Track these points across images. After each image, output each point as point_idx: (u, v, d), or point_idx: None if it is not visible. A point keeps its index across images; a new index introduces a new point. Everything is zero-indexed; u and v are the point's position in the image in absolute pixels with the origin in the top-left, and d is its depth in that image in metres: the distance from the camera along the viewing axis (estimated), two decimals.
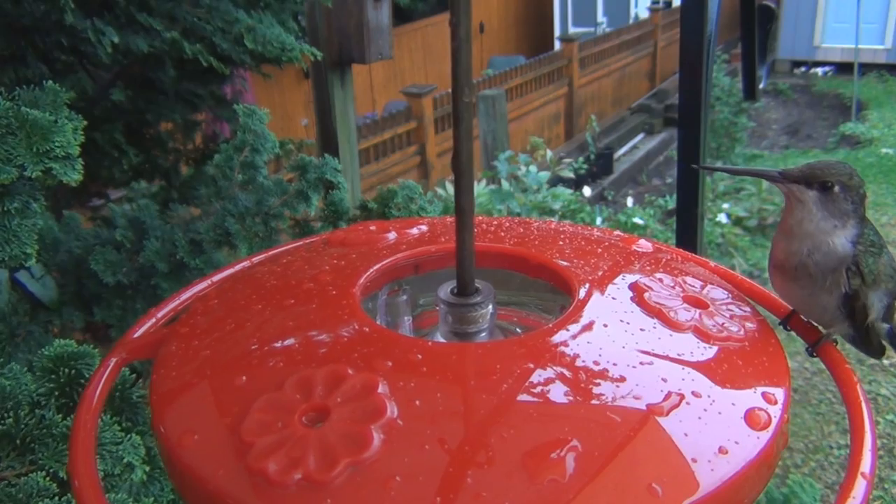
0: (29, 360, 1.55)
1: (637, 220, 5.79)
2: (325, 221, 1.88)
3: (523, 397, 0.52)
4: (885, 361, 4.81)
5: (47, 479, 0.98)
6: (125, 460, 1.06)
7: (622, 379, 0.54)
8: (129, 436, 1.07)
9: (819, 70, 12.86)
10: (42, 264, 1.72)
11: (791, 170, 0.67)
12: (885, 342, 0.71)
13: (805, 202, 0.66)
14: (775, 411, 0.54)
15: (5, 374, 1.07)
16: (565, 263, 0.70)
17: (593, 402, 0.53)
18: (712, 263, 0.80)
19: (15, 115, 1.04)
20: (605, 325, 0.61)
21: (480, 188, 5.45)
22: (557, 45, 10.68)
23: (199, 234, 1.72)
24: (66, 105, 1.12)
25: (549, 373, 0.54)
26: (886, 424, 4.26)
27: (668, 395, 0.53)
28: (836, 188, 0.65)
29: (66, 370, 1.08)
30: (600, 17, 12.57)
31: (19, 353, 1.59)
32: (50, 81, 1.13)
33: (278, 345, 0.60)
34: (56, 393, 1.08)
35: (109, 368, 0.65)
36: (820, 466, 3.96)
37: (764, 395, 0.55)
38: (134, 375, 1.17)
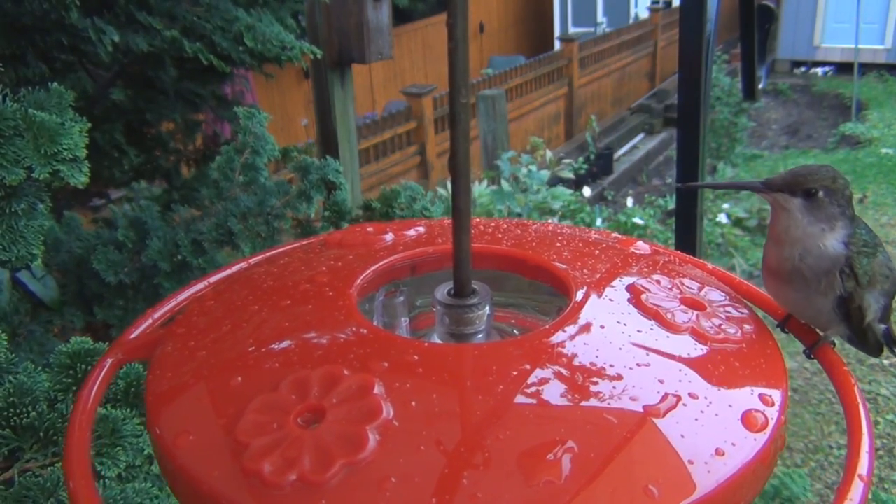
0: (31, 359, 1.55)
1: (637, 221, 5.79)
2: (328, 222, 1.88)
3: (520, 399, 0.52)
4: (885, 361, 4.81)
5: None
6: (145, 452, 1.07)
7: (619, 380, 0.54)
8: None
9: (819, 70, 12.85)
10: (43, 264, 1.72)
11: (774, 178, 0.67)
12: (882, 343, 0.71)
13: (790, 210, 0.66)
14: (772, 413, 0.54)
15: (22, 372, 1.08)
16: (563, 265, 0.70)
17: (590, 403, 0.53)
18: (710, 265, 0.80)
19: (22, 117, 1.05)
20: (603, 327, 0.61)
21: (482, 188, 5.45)
22: (557, 45, 10.68)
23: (202, 234, 1.72)
24: (69, 107, 1.13)
25: (546, 374, 0.54)
26: (886, 424, 4.26)
27: (665, 396, 0.53)
28: (821, 193, 0.65)
29: (82, 366, 1.11)
30: (600, 17, 12.57)
31: (21, 352, 1.59)
32: (55, 84, 1.13)
33: (274, 346, 0.60)
34: (73, 388, 1.09)
35: (105, 369, 0.65)
36: (820, 466, 3.95)
37: (761, 396, 0.55)
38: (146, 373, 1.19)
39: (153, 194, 2.60)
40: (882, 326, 0.69)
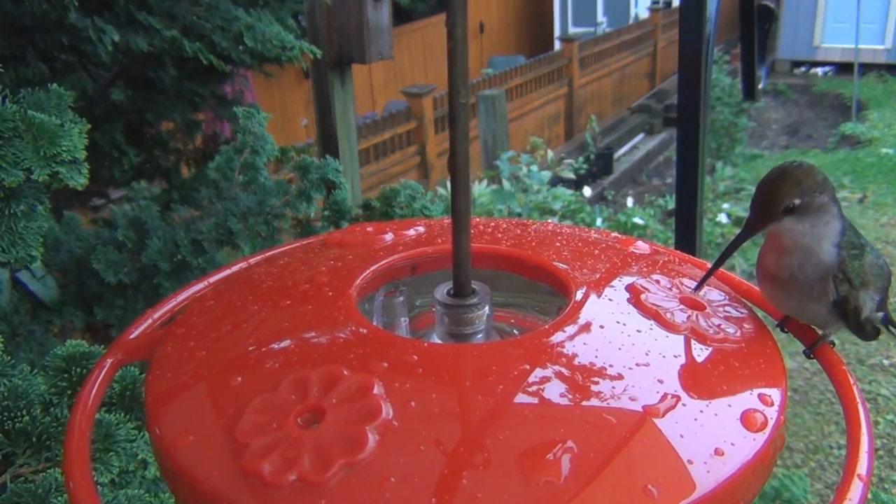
0: (30, 359, 1.55)
1: (637, 221, 5.78)
2: (327, 221, 1.88)
3: (519, 399, 0.52)
4: (885, 361, 4.81)
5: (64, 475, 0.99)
6: (139, 457, 1.07)
7: (618, 380, 0.54)
8: (142, 433, 1.08)
9: (819, 70, 12.85)
10: (43, 264, 1.72)
11: (750, 217, 0.65)
12: (880, 327, 0.71)
13: (787, 230, 0.65)
14: (771, 413, 0.54)
15: (17, 375, 1.08)
16: (562, 265, 0.70)
17: (589, 403, 0.53)
18: (709, 265, 0.80)
19: (22, 119, 1.05)
20: (602, 327, 0.61)
21: (482, 188, 5.45)
22: (557, 45, 10.68)
23: (201, 234, 1.72)
24: (69, 108, 1.13)
25: (546, 374, 0.54)
26: (886, 424, 4.26)
27: (665, 396, 0.53)
28: (797, 201, 0.63)
29: (78, 369, 1.10)
30: (600, 17, 12.57)
31: (20, 352, 1.59)
32: (55, 84, 1.13)
33: (274, 346, 0.60)
34: (69, 392, 1.09)
35: (105, 370, 0.65)
36: (820, 466, 3.96)
37: (760, 396, 0.55)
38: (144, 375, 1.18)
39: (153, 194, 2.60)
40: (880, 314, 0.69)
